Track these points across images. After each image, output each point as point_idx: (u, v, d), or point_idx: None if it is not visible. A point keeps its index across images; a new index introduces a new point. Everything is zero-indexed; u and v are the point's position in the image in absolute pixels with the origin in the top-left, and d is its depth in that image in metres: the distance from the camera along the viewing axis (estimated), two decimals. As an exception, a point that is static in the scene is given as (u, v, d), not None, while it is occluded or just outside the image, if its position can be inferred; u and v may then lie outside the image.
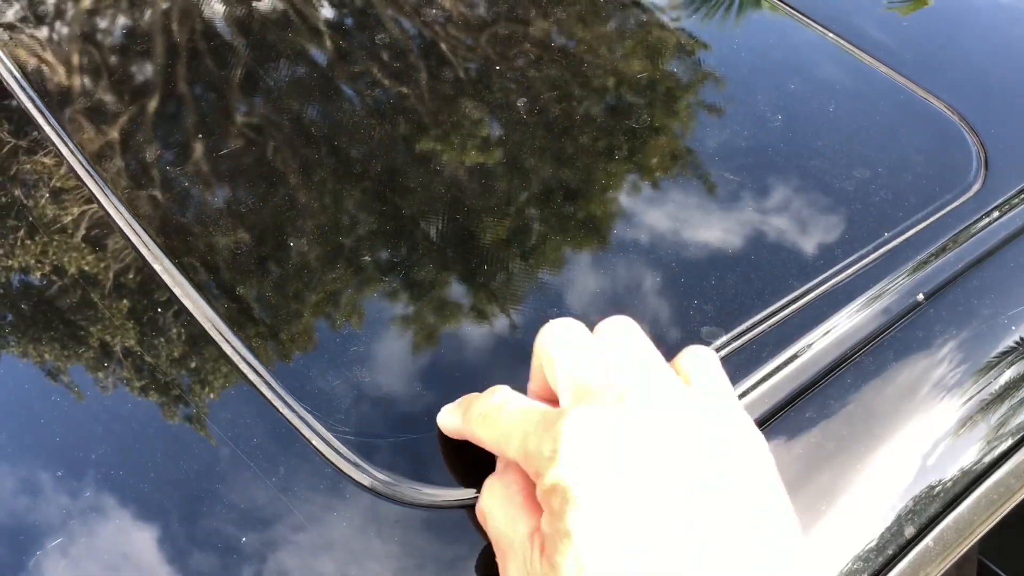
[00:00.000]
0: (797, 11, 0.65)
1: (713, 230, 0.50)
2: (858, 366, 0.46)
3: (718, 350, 0.45)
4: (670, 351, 0.44)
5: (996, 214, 0.52)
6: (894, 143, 0.56)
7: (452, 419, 0.39)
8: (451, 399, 0.41)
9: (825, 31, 0.64)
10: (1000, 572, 0.96)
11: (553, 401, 0.36)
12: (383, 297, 0.46)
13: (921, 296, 0.49)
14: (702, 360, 0.37)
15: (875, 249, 0.50)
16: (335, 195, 0.51)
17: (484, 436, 0.36)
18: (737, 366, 0.45)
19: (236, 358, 0.44)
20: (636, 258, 0.49)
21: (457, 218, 0.50)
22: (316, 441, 0.41)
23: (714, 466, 0.32)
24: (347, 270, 0.47)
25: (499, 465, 0.38)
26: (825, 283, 0.48)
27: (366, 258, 0.48)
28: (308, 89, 0.56)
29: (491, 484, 0.36)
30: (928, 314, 0.48)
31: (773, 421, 0.44)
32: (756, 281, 0.48)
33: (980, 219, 0.52)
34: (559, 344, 0.36)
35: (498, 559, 0.35)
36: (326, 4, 0.63)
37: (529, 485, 0.34)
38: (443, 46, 0.60)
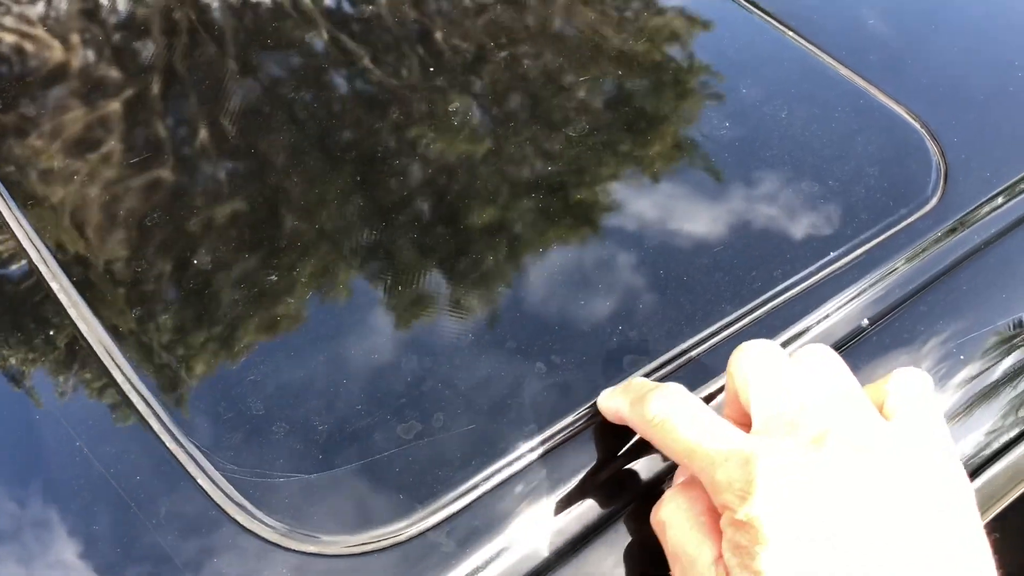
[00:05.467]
0: (750, 3, 0.62)
1: (640, 248, 0.47)
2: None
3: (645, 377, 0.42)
4: (590, 384, 0.41)
5: (951, 233, 0.49)
6: (849, 152, 0.52)
7: (616, 405, 0.38)
8: (352, 431, 0.39)
9: (783, 29, 0.60)
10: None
11: (743, 423, 0.35)
12: (285, 321, 0.44)
13: (866, 321, 0.46)
14: (908, 391, 0.35)
15: (819, 270, 0.47)
16: (234, 213, 0.48)
17: (661, 442, 0.35)
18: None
19: (122, 380, 0.41)
20: (564, 280, 0.46)
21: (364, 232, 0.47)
22: (202, 479, 0.38)
23: (912, 521, 0.31)
24: (245, 290, 0.44)
25: (677, 477, 0.37)
26: (762, 307, 0.45)
27: (270, 277, 0.45)
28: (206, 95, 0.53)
29: (675, 499, 0.35)
30: (872, 341, 0.45)
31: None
32: (687, 305, 0.45)
33: (934, 238, 0.48)
34: (757, 368, 0.35)
35: (674, 570, 0.35)
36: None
37: (714, 508, 0.33)
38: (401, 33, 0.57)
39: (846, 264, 0.47)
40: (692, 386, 0.42)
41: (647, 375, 0.42)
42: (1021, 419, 0.46)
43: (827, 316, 0.45)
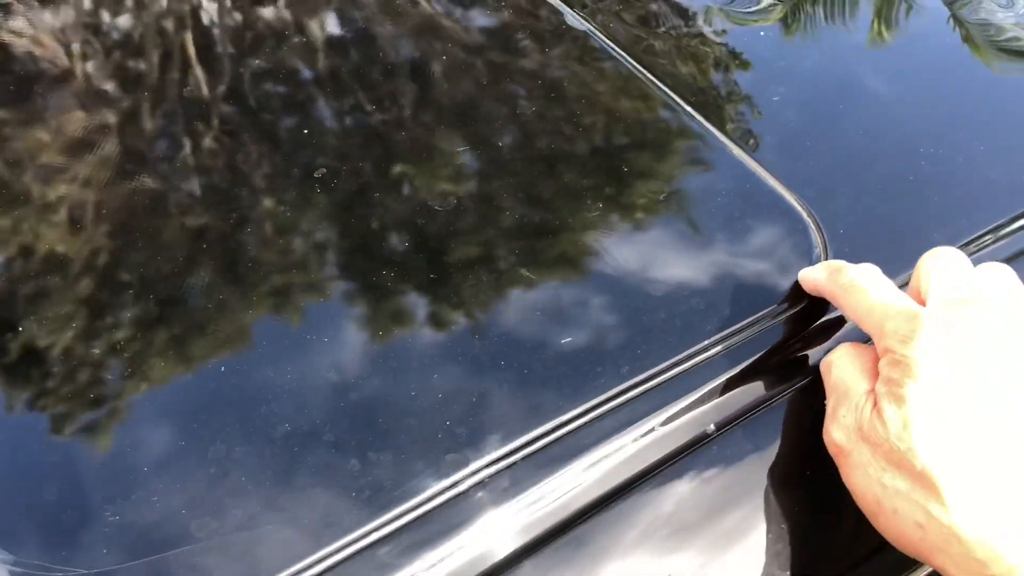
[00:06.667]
0: (635, 65, 0.60)
1: (481, 338, 0.45)
2: (629, 502, 0.41)
3: (464, 484, 0.40)
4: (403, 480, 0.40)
5: (822, 334, 0.47)
6: (726, 238, 0.50)
7: (816, 276, 0.45)
8: (142, 524, 0.37)
9: (676, 100, 0.58)
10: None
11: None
12: (89, 403, 0.42)
13: (713, 427, 0.44)
14: None
15: (669, 368, 0.44)
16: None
17: (847, 303, 0.42)
18: (488, 501, 0.40)
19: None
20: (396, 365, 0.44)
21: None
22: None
23: None
24: (54, 366, 0.43)
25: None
26: (602, 406, 0.43)
27: (93, 351, 0.43)
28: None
29: (846, 348, 0.42)
30: (712, 450, 0.43)
31: (528, 558, 0.39)
32: (522, 401, 0.43)
33: (801, 339, 0.46)
34: (940, 264, 0.41)
35: (830, 401, 0.41)
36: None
37: (876, 360, 0.40)
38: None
39: (698, 363, 0.45)
40: (519, 488, 0.40)
41: (472, 475, 0.40)
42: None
43: (673, 418, 0.43)
